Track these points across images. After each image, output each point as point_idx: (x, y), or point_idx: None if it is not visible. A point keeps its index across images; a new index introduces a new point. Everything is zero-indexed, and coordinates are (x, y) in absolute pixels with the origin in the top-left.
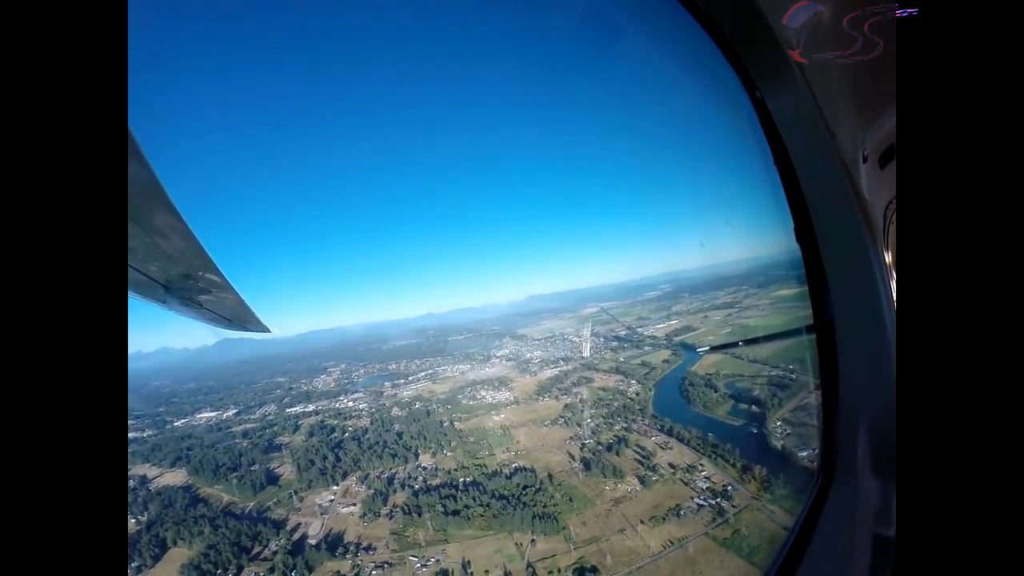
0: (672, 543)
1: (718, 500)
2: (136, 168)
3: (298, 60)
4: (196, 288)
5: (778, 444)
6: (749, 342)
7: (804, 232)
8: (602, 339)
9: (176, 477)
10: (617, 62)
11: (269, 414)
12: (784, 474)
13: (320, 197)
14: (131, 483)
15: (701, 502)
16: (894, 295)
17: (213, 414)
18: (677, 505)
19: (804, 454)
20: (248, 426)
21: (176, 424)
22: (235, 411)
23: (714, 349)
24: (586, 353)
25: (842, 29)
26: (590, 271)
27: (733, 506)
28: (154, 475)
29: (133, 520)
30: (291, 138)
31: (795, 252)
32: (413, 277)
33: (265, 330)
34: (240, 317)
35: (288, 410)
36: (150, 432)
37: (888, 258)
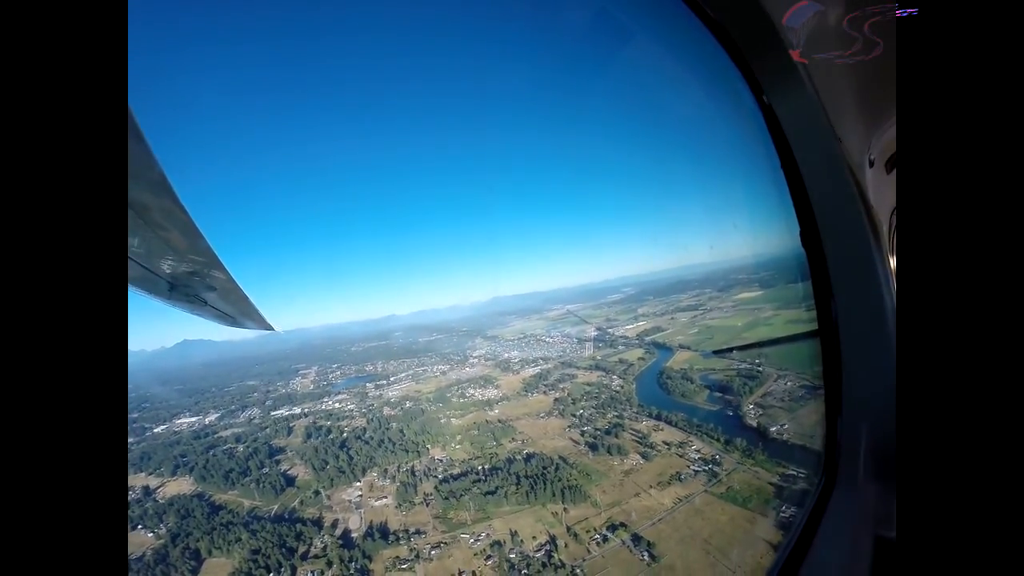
0: (680, 500)
1: (710, 466)
2: (145, 165)
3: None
4: (201, 285)
5: (753, 422)
6: (752, 346)
7: (809, 236)
8: (575, 339)
9: (182, 485)
10: (619, 65)
11: (254, 417)
12: (761, 443)
13: (278, 196)
14: (136, 494)
15: (697, 469)
16: (897, 300)
17: (194, 419)
18: (677, 472)
19: (774, 428)
20: (236, 430)
21: (156, 431)
22: (217, 415)
23: (717, 353)
24: (589, 353)
25: (850, 33)
26: (553, 273)
27: (723, 470)
28: (156, 484)
29: (152, 535)
30: (250, 134)
31: (800, 255)
32: (373, 278)
33: (268, 327)
34: (244, 314)
35: (273, 413)
36: (132, 439)
37: (893, 263)
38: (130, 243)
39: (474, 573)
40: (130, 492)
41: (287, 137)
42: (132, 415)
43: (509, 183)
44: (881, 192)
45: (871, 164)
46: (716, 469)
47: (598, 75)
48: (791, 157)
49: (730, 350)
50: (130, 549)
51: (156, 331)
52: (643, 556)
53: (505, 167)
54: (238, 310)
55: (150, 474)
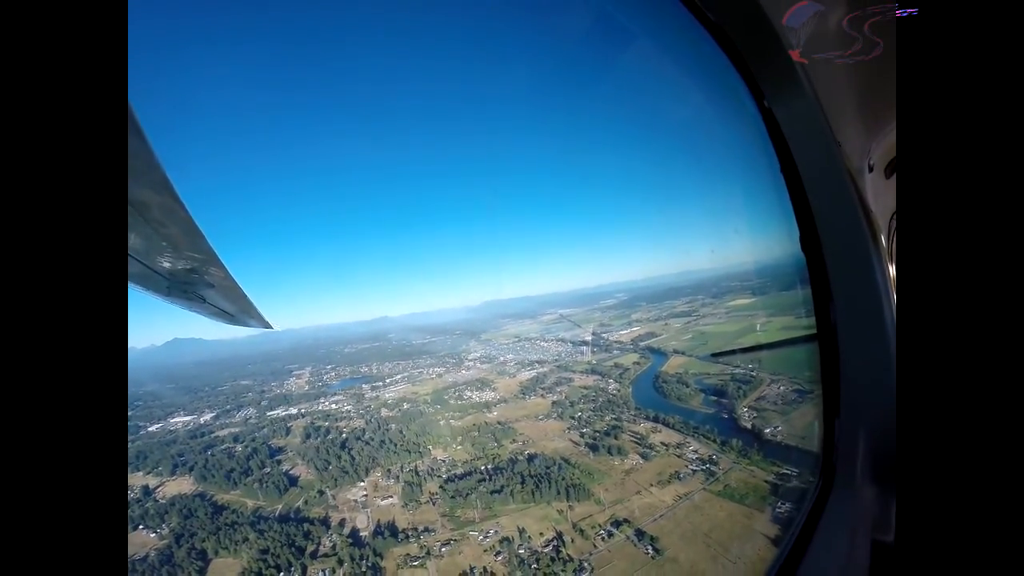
0: (680, 497)
1: (707, 466)
2: (145, 163)
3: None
4: (200, 282)
5: (747, 424)
6: (749, 349)
7: (809, 240)
8: (570, 343)
9: (182, 485)
10: (617, 68)
11: (251, 417)
12: (757, 444)
13: (269, 195)
14: (136, 494)
15: (695, 468)
16: (896, 303)
17: (189, 418)
18: (676, 472)
19: (768, 430)
20: (233, 430)
21: (151, 429)
22: (213, 415)
23: (715, 356)
24: (584, 357)
25: (850, 33)
26: (546, 278)
27: (720, 469)
28: (155, 484)
29: (154, 535)
30: (249, 133)
31: (796, 261)
32: (366, 280)
33: (268, 326)
34: (242, 312)
35: (269, 413)
36: (128, 438)
37: (892, 268)
38: (130, 240)
39: (485, 569)
40: (129, 491)
41: (282, 137)
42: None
43: (504, 187)
44: (880, 197)
45: (871, 169)
46: (713, 468)
47: (595, 78)
48: (791, 161)
49: (725, 354)
50: (133, 550)
51: (147, 329)
52: (647, 550)
53: (500, 171)
54: (237, 308)
55: (148, 473)
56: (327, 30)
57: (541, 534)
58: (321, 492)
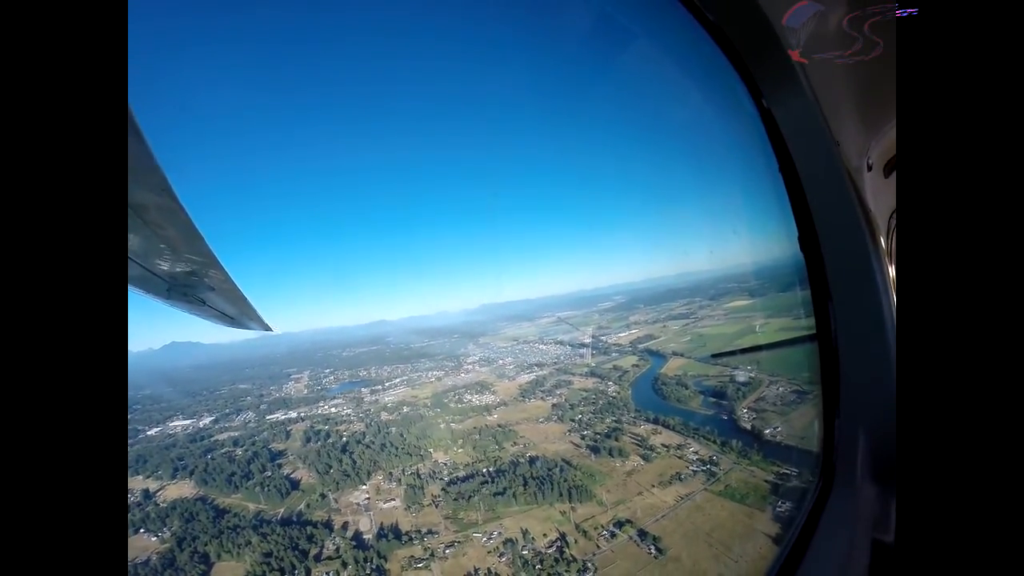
0: (682, 498)
1: (708, 466)
2: (145, 165)
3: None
4: (200, 285)
5: (747, 425)
6: (749, 350)
7: (808, 240)
8: (569, 346)
9: (183, 489)
10: (615, 68)
11: (250, 421)
12: (756, 444)
13: (269, 197)
14: (136, 497)
15: (695, 469)
16: (895, 303)
17: (188, 422)
18: (677, 473)
19: (768, 431)
20: (233, 434)
21: (150, 433)
22: (212, 419)
23: (715, 356)
24: (583, 359)
25: (850, 33)
26: (543, 281)
27: (721, 469)
28: (156, 488)
29: (155, 539)
30: (244, 135)
31: (794, 261)
32: (363, 283)
33: (267, 328)
34: (242, 314)
35: (268, 417)
36: (128, 441)
37: (891, 266)
38: (129, 243)
39: (489, 571)
40: (129, 495)
41: (282, 139)
42: None
43: (500, 189)
44: (879, 196)
45: (869, 168)
46: (714, 469)
47: (594, 78)
48: (789, 160)
49: (724, 355)
50: (135, 553)
51: (144, 332)
52: (650, 550)
53: (498, 172)
54: (237, 310)
55: (148, 477)
56: (326, 31)
57: (544, 535)
58: (323, 495)
